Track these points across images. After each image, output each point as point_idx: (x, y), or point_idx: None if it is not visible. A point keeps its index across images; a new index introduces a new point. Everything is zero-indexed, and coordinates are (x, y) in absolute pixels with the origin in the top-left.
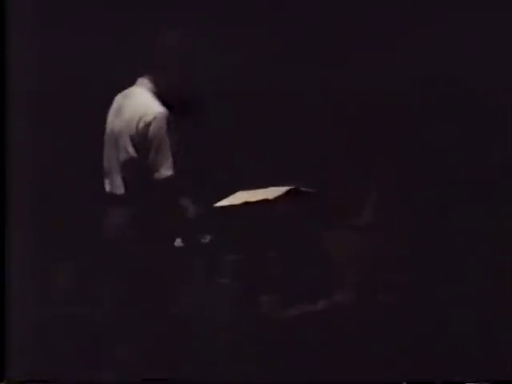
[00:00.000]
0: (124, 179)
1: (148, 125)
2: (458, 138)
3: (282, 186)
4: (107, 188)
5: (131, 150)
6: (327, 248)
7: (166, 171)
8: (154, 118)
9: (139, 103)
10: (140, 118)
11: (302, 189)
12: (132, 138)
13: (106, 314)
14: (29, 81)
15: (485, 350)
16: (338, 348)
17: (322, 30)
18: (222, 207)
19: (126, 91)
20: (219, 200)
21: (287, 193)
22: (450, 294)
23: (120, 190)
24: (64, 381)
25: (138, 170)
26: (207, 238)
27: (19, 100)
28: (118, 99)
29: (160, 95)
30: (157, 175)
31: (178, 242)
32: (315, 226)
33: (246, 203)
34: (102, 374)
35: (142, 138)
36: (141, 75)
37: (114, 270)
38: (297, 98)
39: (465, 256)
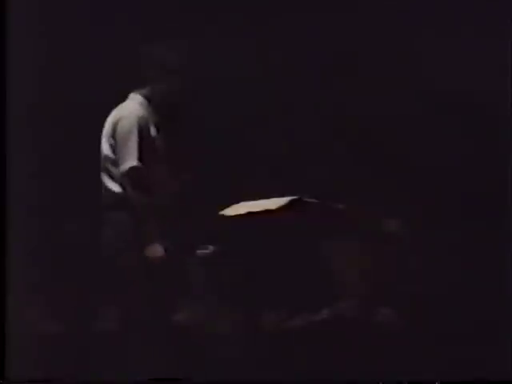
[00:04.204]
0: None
1: (116, 124)
2: (466, 152)
3: (286, 196)
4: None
5: (109, 153)
6: (329, 258)
7: (131, 162)
8: (122, 116)
9: (119, 112)
10: (112, 121)
11: (305, 199)
12: (109, 140)
13: (107, 320)
14: (28, 92)
15: (485, 350)
16: (340, 355)
17: (325, 41)
18: (225, 217)
19: (117, 107)
20: (222, 210)
21: (290, 203)
22: (450, 297)
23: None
24: (64, 381)
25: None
26: (209, 248)
27: (19, 113)
28: (110, 116)
29: (153, 107)
30: (122, 168)
31: (180, 252)
32: (318, 236)
33: (249, 213)
34: (101, 375)
35: (114, 137)
36: (133, 90)
37: (113, 279)
38: (302, 108)
39: (466, 263)
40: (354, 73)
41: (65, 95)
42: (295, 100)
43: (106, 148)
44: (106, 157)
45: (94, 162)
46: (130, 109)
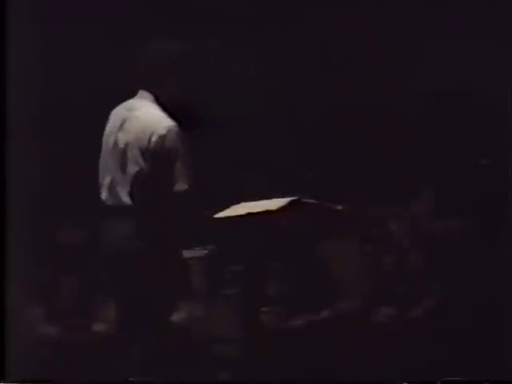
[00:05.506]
0: (131, 191)
1: (162, 138)
2: (466, 152)
3: (286, 197)
4: (108, 201)
5: (142, 163)
6: (330, 259)
7: (182, 185)
8: (168, 131)
9: (148, 116)
10: (152, 132)
11: (305, 200)
12: (143, 152)
13: (107, 322)
14: (28, 95)
15: (485, 349)
16: (340, 356)
17: (323, 42)
18: (225, 218)
19: (128, 104)
20: (222, 210)
21: (290, 204)
22: (450, 297)
23: (126, 202)
24: (64, 381)
25: (147, 182)
26: (209, 249)
27: (19, 116)
28: (121, 112)
29: (163, 107)
30: (176, 188)
31: (181, 253)
32: (318, 237)
33: (249, 214)
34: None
35: (155, 151)
36: (142, 87)
37: (115, 280)
38: (301, 110)
39: (466, 263)
40: (354, 73)
41: (67, 95)
42: (295, 99)
43: (141, 163)
44: (142, 171)
45: (97, 162)
46: (167, 123)
